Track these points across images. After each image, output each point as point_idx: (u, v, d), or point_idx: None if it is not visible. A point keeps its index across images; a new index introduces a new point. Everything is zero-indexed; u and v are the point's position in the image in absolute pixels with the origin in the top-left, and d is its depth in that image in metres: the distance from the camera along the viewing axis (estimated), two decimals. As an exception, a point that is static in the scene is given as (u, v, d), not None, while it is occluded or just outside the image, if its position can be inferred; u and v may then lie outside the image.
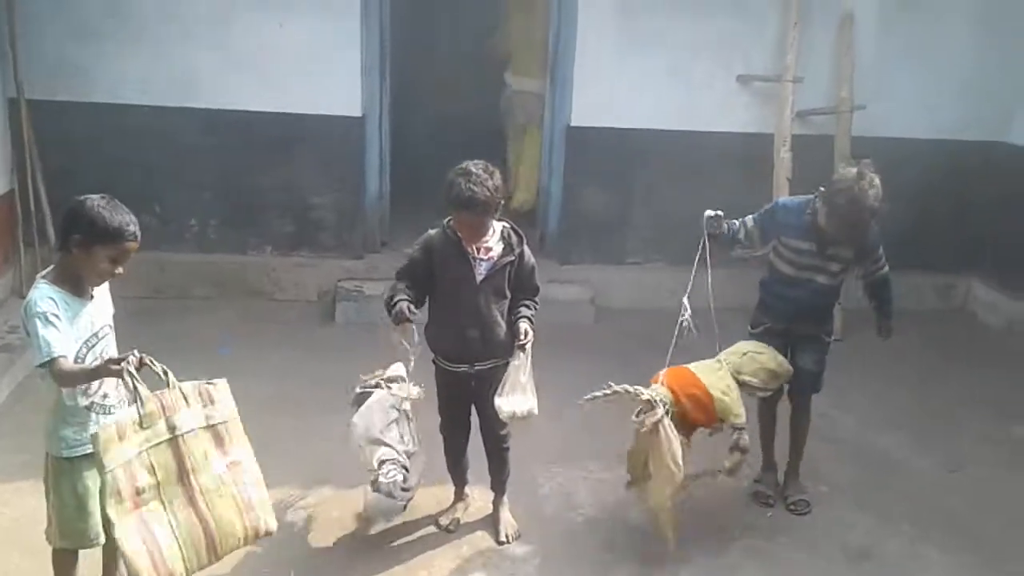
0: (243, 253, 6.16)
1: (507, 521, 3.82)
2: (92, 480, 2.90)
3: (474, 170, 3.37)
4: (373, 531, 3.75)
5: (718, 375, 3.69)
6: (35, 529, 3.13)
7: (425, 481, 3.80)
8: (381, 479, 3.39)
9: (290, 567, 3.53)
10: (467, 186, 3.32)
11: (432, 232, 3.56)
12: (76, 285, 2.92)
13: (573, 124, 6.22)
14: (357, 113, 6.05)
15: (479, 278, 3.48)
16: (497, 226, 3.52)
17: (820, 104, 6.21)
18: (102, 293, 3.03)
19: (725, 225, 3.86)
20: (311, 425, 4.51)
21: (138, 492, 2.65)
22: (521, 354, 3.50)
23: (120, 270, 2.89)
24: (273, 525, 2.89)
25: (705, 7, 6.07)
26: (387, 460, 3.43)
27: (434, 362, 3.67)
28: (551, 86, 6.38)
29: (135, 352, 2.72)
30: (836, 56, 6.18)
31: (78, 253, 2.85)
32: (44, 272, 2.94)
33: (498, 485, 3.86)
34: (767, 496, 4.12)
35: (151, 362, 2.73)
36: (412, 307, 3.40)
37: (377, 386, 3.61)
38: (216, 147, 5.95)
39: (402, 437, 3.52)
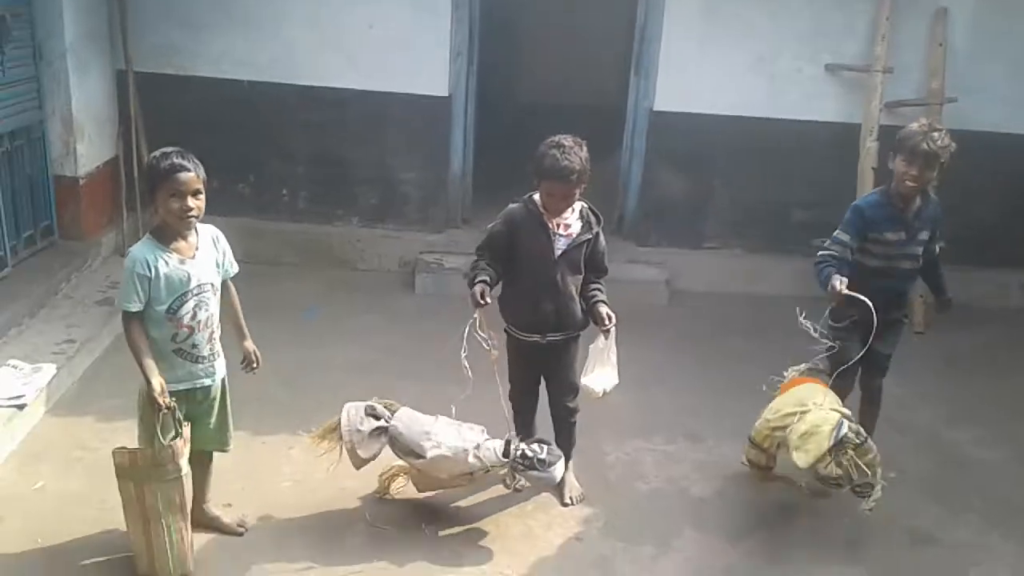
0: (330, 223, 6.39)
1: (572, 484, 3.92)
2: (168, 422, 3.14)
3: (566, 142, 3.49)
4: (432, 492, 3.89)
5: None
6: None
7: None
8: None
9: (365, 512, 3.73)
10: (561, 156, 3.44)
11: (514, 206, 3.67)
12: (174, 240, 3.15)
13: (656, 108, 6.26)
14: (444, 93, 6.21)
15: (557, 252, 3.58)
16: (577, 205, 3.61)
17: (910, 96, 6.12)
18: (208, 251, 3.24)
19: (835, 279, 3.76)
20: (390, 388, 4.67)
21: (147, 509, 3.15)
22: (604, 338, 3.60)
23: (191, 204, 3.06)
24: None
25: (795, -5, 6.03)
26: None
27: (506, 331, 3.78)
28: (635, 70, 6.42)
29: (173, 402, 3.11)
30: (928, 48, 6.08)
31: (155, 205, 3.11)
32: (153, 227, 3.19)
33: (565, 452, 3.96)
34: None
35: (175, 411, 3.12)
36: (487, 292, 3.52)
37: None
38: (310, 122, 6.20)
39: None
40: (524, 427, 3.91)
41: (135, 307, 3.09)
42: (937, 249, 4.02)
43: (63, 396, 4.40)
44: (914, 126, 3.83)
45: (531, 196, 3.64)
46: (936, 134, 3.75)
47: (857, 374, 4.03)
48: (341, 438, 3.59)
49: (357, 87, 6.13)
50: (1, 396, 4.08)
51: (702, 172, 6.40)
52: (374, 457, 3.62)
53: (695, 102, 6.18)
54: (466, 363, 3.47)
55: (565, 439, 3.90)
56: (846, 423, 3.54)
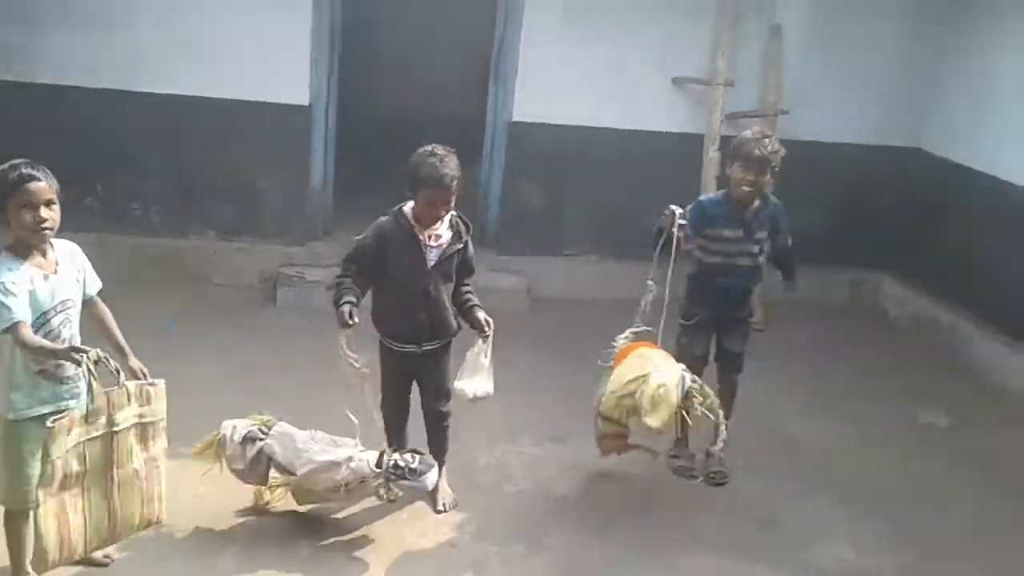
0: (185, 237, 6.22)
1: (445, 491, 4.01)
2: (35, 444, 3.01)
3: (439, 151, 3.57)
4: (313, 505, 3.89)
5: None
6: None
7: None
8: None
9: (241, 530, 3.70)
10: (440, 164, 3.50)
11: (383, 219, 3.70)
12: (33, 255, 3.02)
13: (515, 119, 6.43)
14: (304, 102, 6.16)
15: (430, 264, 3.64)
16: (446, 215, 3.67)
17: (749, 108, 6.53)
18: (67, 267, 3.13)
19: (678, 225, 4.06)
20: (252, 405, 4.62)
21: (66, 477, 2.94)
22: (481, 342, 3.69)
23: (44, 215, 2.95)
24: (164, 516, 3.32)
25: (644, 12, 6.32)
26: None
27: (381, 343, 3.82)
28: (494, 82, 6.57)
29: (98, 350, 2.92)
30: (764, 63, 6.51)
31: (7, 219, 2.97)
32: (8, 243, 3.03)
33: (437, 458, 4.04)
34: (689, 469, 4.39)
35: (107, 359, 2.93)
36: (355, 313, 3.54)
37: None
38: (161, 131, 6.00)
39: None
40: (397, 437, 3.97)
41: (21, 314, 2.89)
42: (789, 241, 4.33)
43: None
44: (747, 134, 4.16)
45: (400, 209, 3.68)
46: (767, 140, 4.09)
47: (704, 366, 4.31)
48: (222, 455, 3.56)
49: (211, 95, 5.98)
50: None
51: (559, 181, 6.61)
52: (263, 480, 3.64)
53: (552, 113, 6.38)
54: (350, 415, 3.60)
55: (438, 445, 3.98)
56: (687, 376, 3.83)
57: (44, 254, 3.06)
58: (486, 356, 3.69)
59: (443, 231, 3.67)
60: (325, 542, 3.72)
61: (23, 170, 2.95)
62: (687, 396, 3.78)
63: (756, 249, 4.21)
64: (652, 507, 4.19)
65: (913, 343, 6.54)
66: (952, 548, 4.09)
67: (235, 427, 3.67)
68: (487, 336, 3.70)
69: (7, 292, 2.90)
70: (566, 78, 6.33)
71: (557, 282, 6.55)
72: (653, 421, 3.76)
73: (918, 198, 6.82)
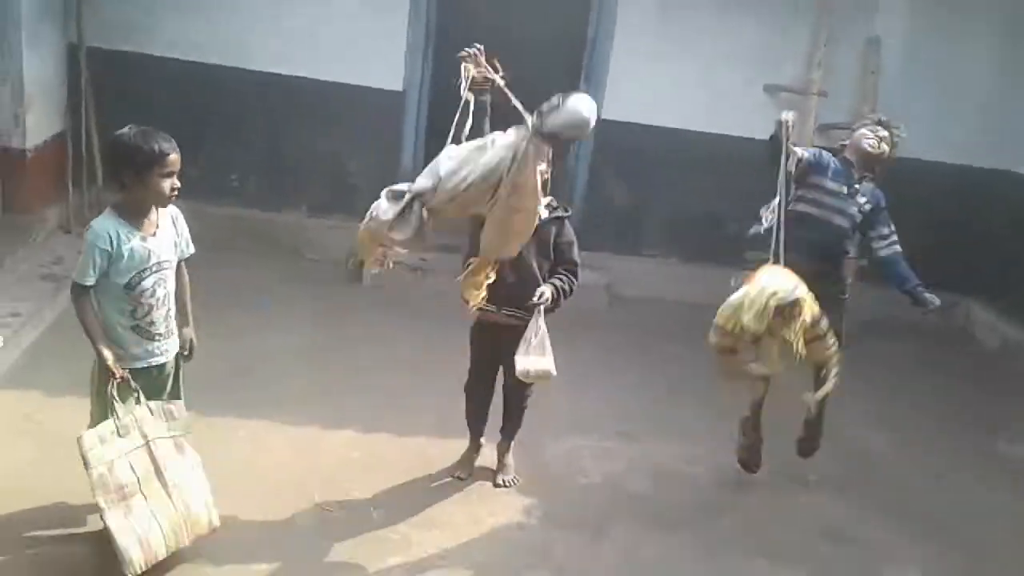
0: (279, 211, 6.44)
1: (508, 466, 4.13)
2: (125, 392, 3.19)
3: None
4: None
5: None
6: (73, 436, 3.34)
7: (441, 434, 4.13)
8: None
9: (315, 495, 3.82)
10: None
11: None
12: (138, 217, 3.20)
13: (604, 117, 6.45)
14: (398, 88, 6.32)
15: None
16: (545, 198, 3.72)
17: (843, 119, 6.45)
18: (168, 230, 3.29)
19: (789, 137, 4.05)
20: (335, 377, 4.79)
21: (122, 487, 3.11)
22: (535, 316, 3.68)
23: (177, 183, 3.16)
24: (217, 522, 3.34)
25: (739, 19, 6.30)
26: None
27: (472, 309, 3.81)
28: (585, 79, 6.62)
29: (127, 373, 3.15)
30: (860, 74, 6.42)
31: (134, 185, 3.14)
32: (115, 202, 3.21)
33: (508, 435, 4.14)
34: (753, 464, 4.36)
35: (130, 381, 3.16)
36: None
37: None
38: (262, 109, 6.24)
39: None
40: (476, 418, 4.08)
41: (90, 281, 3.12)
42: (894, 248, 4.24)
43: (9, 369, 4.39)
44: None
45: None
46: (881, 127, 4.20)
47: None
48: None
49: (311, 76, 6.19)
50: (-52, 366, 4.05)
51: (644, 181, 6.64)
52: (416, 233, 3.44)
53: (641, 113, 6.42)
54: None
55: (513, 422, 4.10)
56: (801, 288, 3.70)
57: (148, 216, 3.23)
58: (539, 334, 3.65)
59: (543, 211, 3.71)
60: (396, 515, 3.82)
61: (162, 141, 3.11)
62: (792, 304, 3.65)
63: (854, 209, 4.15)
64: (720, 509, 4.20)
65: (1000, 369, 6.39)
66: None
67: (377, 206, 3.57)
68: (535, 305, 3.67)
69: (92, 255, 3.11)
70: (656, 79, 6.36)
71: (636, 281, 6.59)
72: (747, 318, 3.67)
73: (1012, 222, 6.65)
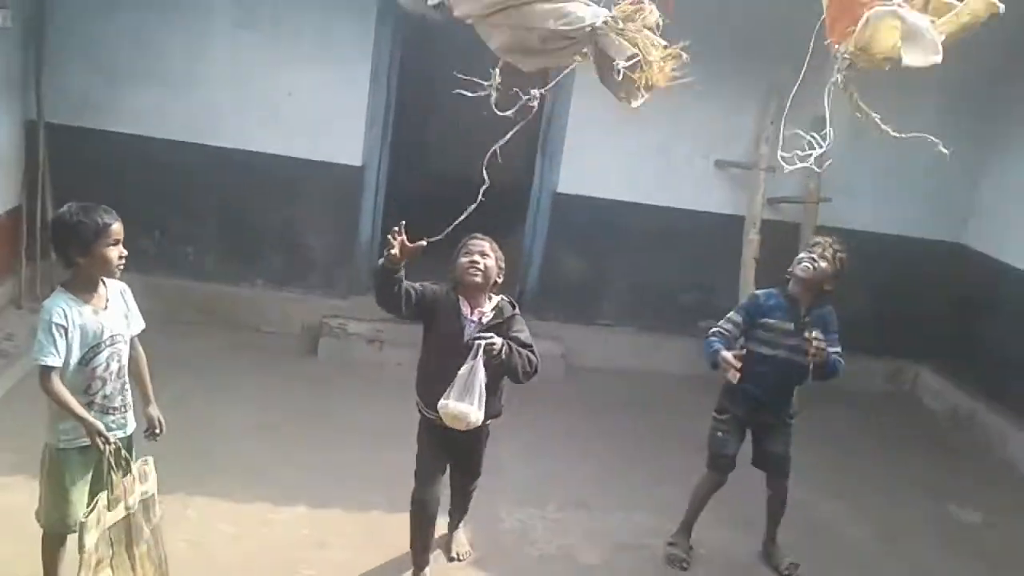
0: (235, 284, 6.43)
1: (460, 540, 4.11)
2: (80, 473, 3.19)
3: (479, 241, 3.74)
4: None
5: None
6: (26, 518, 3.34)
7: (393, 509, 4.10)
8: None
9: None
10: (471, 265, 3.65)
11: (438, 286, 3.75)
12: (88, 292, 3.21)
13: (559, 190, 6.61)
14: (357, 163, 6.42)
15: (466, 336, 3.62)
16: (495, 298, 3.76)
17: (791, 194, 6.65)
18: (117, 304, 3.30)
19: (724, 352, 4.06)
20: (287, 452, 4.76)
21: (100, 561, 3.06)
22: (470, 358, 3.54)
23: (124, 251, 3.19)
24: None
25: (690, 98, 6.47)
26: None
27: (421, 418, 3.80)
28: (541, 154, 6.77)
29: (118, 442, 3.13)
30: (807, 152, 6.62)
31: (82, 260, 3.16)
32: (65, 280, 3.22)
33: (456, 520, 4.14)
34: (682, 559, 4.32)
35: (122, 449, 3.15)
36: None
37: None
38: (220, 183, 6.28)
39: None
40: (423, 544, 3.83)
41: (53, 360, 3.07)
42: (837, 350, 4.17)
43: (-47, 448, 4.29)
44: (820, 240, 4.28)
45: (454, 287, 3.74)
46: (831, 245, 4.19)
47: (731, 468, 4.28)
48: None
49: (270, 151, 6.25)
50: None
51: (600, 253, 6.75)
52: None
53: (596, 187, 6.56)
54: None
55: (461, 508, 4.10)
56: None
57: (97, 290, 3.25)
58: (470, 372, 3.51)
59: (487, 310, 3.71)
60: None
61: (103, 213, 3.15)
62: None
63: (804, 345, 4.11)
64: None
65: (949, 436, 6.49)
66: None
67: None
68: (479, 348, 3.52)
69: (51, 333, 3.09)
70: (611, 155, 6.52)
71: (592, 351, 6.65)
72: None
73: (960, 292, 6.85)
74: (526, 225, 6.94)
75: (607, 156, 6.51)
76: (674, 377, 6.50)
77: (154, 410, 3.48)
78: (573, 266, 6.75)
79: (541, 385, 5.83)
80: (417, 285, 3.67)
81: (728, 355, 3.97)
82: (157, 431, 3.47)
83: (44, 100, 5.89)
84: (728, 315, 4.24)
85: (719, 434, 4.25)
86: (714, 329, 4.19)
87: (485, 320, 3.68)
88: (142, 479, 3.26)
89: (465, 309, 3.69)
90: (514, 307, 3.80)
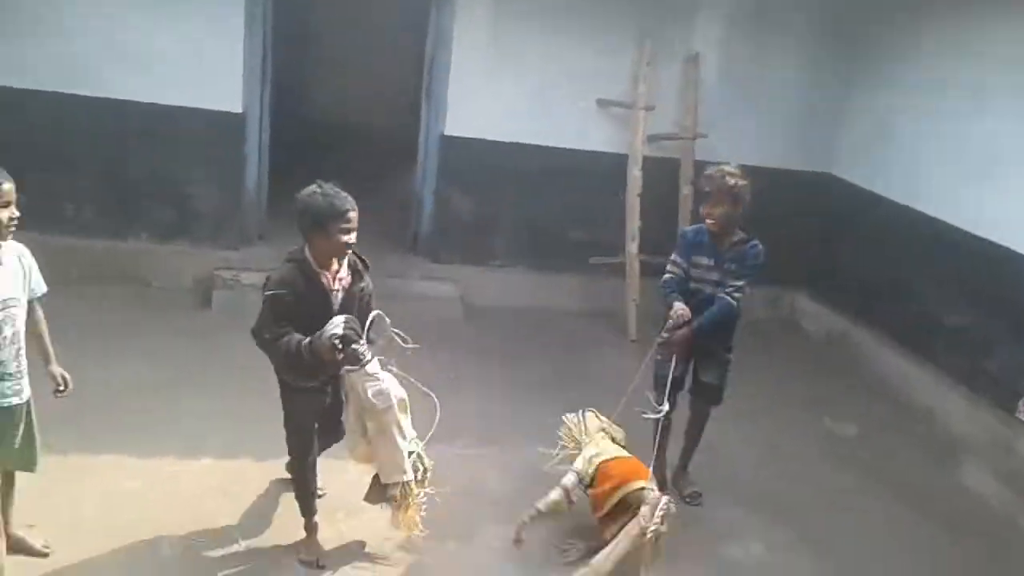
0: (121, 239, 6.22)
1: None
2: None
3: (327, 186, 3.47)
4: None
5: None
6: None
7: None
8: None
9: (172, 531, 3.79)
10: (333, 196, 3.43)
11: (285, 270, 3.49)
12: None
13: (447, 133, 6.64)
14: (238, 109, 6.26)
15: (335, 306, 3.56)
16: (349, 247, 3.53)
17: (669, 131, 6.88)
18: (13, 267, 3.22)
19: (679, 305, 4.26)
20: (188, 405, 4.74)
21: None
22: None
23: (15, 212, 3.12)
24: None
25: (569, 38, 6.60)
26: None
27: (283, 384, 3.71)
28: (426, 98, 6.77)
29: None
30: (682, 89, 6.87)
31: None
32: None
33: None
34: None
35: None
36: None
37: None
38: (95, 134, 6.03)
39: None
40: (313, 493, 3.87)
41: None
42: (728, 292, 4.32)
43: None
44: (708, 170, 4.38)
45: (301, 255, 3.51)
46: (720, 174, 4.30)
47: (677, 394, 4.47)
48: None
49: (145, 100, 6.03)
50: None
51: (489, 194, 6.84)
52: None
53: (482, 129, 6.62)
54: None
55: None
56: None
57: None
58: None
59: (343, 272, 3.59)
60: (265, 542, 3.86)
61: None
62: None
63: (726, 281, 4.34)
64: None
65: (825, 356, 6.95)
66: (853, 552, 4.43)
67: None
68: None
69: None
70: (495, 96, 6.58)
71: (488, 291, 6.77)
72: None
73: (830, 220, 7.28)
74: (416, 169, 6.96)
75: (492, 100, 6.57)
76: (569, 313, 6.73)
77: (56, 368, 3.46)
78: (464, 208, 6.83)
79: (441, 326, 6.00)
80: (284, 310, 3.43)
81: (681, 309, 4.20)
82: (62, 388, 3.45)
83: None
84: (671, 257, 4.44)
85: (660, 357, 4.41)
86: (666, 276, 4.39)
87: (345, 283, 3.59)
88: None
89: (325, 279, 3.53)
90: (365, 262, 3.71)
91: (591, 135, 6.86)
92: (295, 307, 3.44)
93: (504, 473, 4.60)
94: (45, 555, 3.51)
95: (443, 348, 5.63)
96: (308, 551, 3.80)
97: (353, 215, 3.46)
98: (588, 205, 6.94)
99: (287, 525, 3.91)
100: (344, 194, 3.48)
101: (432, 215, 6.88)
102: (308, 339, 3.36)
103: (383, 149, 8.42)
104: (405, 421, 3.75)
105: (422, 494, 3.85)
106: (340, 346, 3.31)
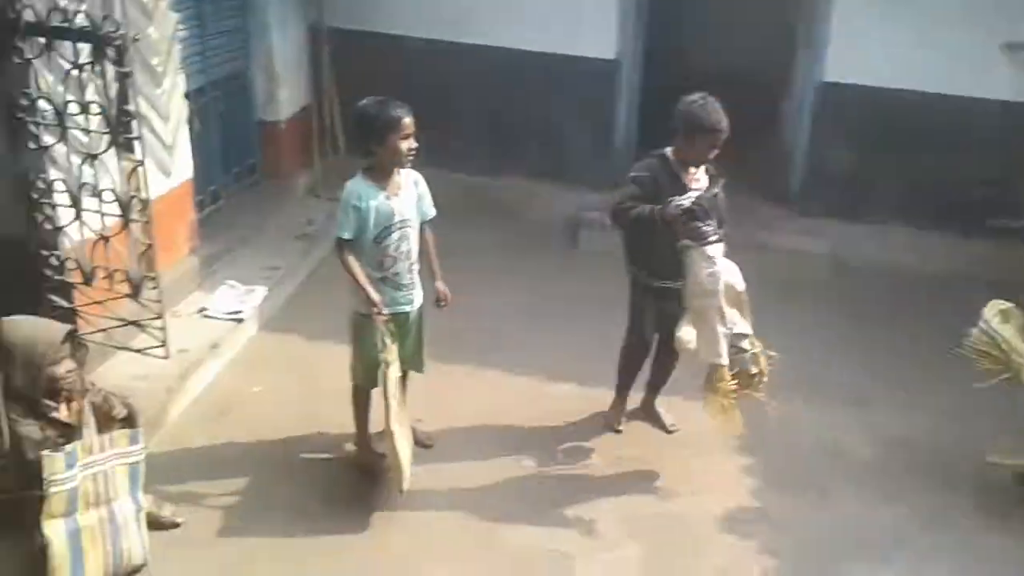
0: (499, 177, 6.69)
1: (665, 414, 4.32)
2: (378, 336, 3.49)
3: (711, 99, 3.72)
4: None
5: None
6: (329, 376, 3.88)
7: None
8: None
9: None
10: (712, 111, 3.68)
11: (651, 160, 3.85)
12: (383, 179, 3.54)
13: (826, 80, 6.26)
14: (611, 56, 6.42)
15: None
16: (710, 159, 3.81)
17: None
18: (410, 192, 3.62)
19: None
20: (551, 333, 5.03)
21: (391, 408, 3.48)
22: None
23: (414, 144, 3.47)
24: None
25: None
26: None
27: (635, 282, 3.99)
28: (806, 42, 6.42)
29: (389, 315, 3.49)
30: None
31: (378, 149, 3.47)
32: (364, 167, 3.57)
33: (660, 384, 4.32)
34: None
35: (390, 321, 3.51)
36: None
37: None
38: (480, 81, 6.51)
39: None
40: (635, 370, 4.22)
41: (347, 234, 3.49)
42: None
43: (272, 315, 4.93)
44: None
45: (662, 154, 3.83)
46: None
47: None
48: None
49: (526, 48, 6.38)
50: (222, 311, 4.63)
51: (869, 145, 6.33)
52: None
53: (866, 75, 6.13)
54: None
55: (663, 374, 4.27)
56: None
57: (391, 178, 3.56)
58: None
59: (701, 175, 3.81)
60: (618, 467, 4.02)
61: (398, 108, 3.45)
62: None
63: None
64: (958, 485, 4.03)
65: None
66: None
67: None
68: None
69: (348, 212, 3.48)
70: (882, 41, 6.04)
71: (861, 249, 6.28)
72: None
73: None
74: (788, 118, 6.66)
75: (879, 44, 6.04)
76: (958, 279, 5.86)
77: (441, 284, 3.81)
78: (841, 159, 6.39)
79: (806, 282, 5.72)
80: (640, 191, 3.73)
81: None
82: (443, 302, 3.80)
83: (324, 5, 6.32)
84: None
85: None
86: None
87: (701, 187, 3.77)
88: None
89: (684, 178, 3.77)
90: (719, 171, 3.85)
91: (992, 82, 6.08)
92: (654, 194, 3.68)
93: (867, 437, 4.33)
94: (429, 447, 3.97)
95: (808, 305, 5.39)
96: (607, 415, 4.25)
97: (724, 135, 3.68)
98: (991, 161, 6.18)
99: (634, 453, 4.05)
100: (721, 114, 3.68)
101: (804, 166, 6.54)
102: (643, 209, 3.63)
103: (756, 96, 8.13)
104: (731, 312, 3.73)
105: (745, 392, 3.80)
106: (684, 219, 3.55)
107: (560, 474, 3.93)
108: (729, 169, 3.94)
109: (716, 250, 3.63)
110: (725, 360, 3.71)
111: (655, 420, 4.31)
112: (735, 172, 3.72)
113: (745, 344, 3.75)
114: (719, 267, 3.64)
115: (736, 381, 3.73)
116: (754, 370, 3.77)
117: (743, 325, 3.76)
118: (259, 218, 5.76)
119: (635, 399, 4.36)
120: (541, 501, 3.75)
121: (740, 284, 3.72)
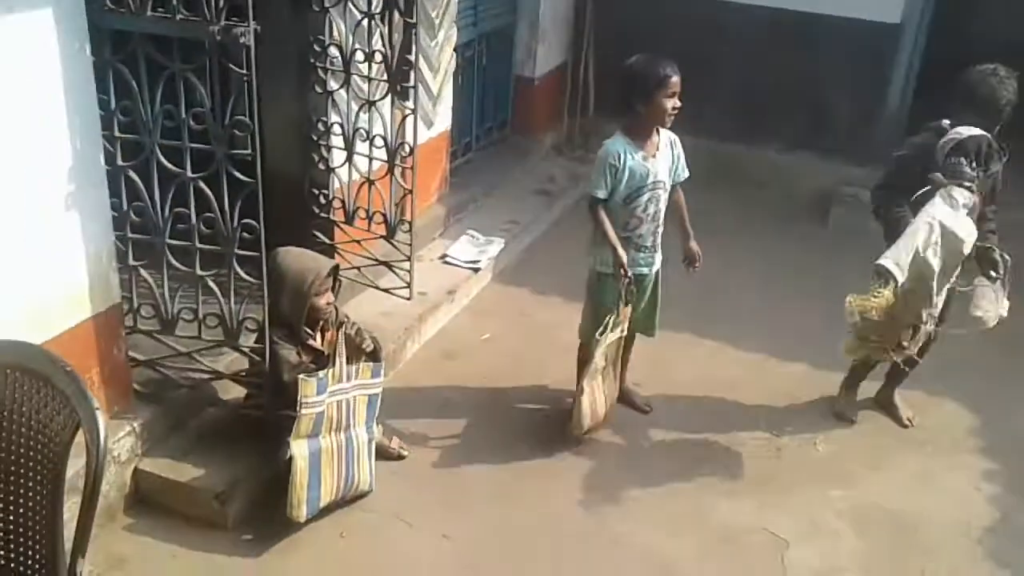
0: (749, 145, 6.45)
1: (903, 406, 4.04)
2: (613, 295, 3.55)
3: (1003, 71, 3.47)
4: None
5: None
6: (556, 331, 4.00)
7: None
8: None
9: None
10: (998, 86, 3.44)
11: (924, 136, 3.59)
12: (642, 139, 3.50)
13: None
14: (895, 20, 5.95)
15: None
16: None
17: None
18: (665, 153, 3.58)
19: None
20: (788, 309, 4.85)
21: (597, 370, 3.65)
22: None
23: (678, 103, 3.41)
24: None
25: None
26: None
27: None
28: None
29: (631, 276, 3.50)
30: None
31: (642, 108, 3.41)
32: (624, 125, 3.54)
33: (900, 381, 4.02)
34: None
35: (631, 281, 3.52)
36: None
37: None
38: (742, 41, 6.25)
39: None
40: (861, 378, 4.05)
41: (601, 193, 3.49)
42: None
43: (507, 267, 5.11)
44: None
45: (939, 126, 3.54)
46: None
47: None
48: None
49: (794, 8, 6.04)
50: (462, 259, 4.88)
51: None
52: None
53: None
54: None
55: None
56: None
57: (650, 138, 3.52)
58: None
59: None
60: (844, 456, 3.82)
61: (667, 66, 3.38)
62: None
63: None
64: None
65: None
66: None
67: None
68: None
69: (604, 171, 3.47)
70: None
71: None
72: None
73: None
74: None
75: None
76: None
77: (694, 244, 3.75)
78: None
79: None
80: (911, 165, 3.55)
81: None
82: (696, 264, 3.75)
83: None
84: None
85: None
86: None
87: None
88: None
89: None
90: (1003, 148, 3.58)
91: None
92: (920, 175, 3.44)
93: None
94: (646, 412, 3.96)
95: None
96: (838, 404, 4.06)
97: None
98: None
99: (864, 444, 3.86)
100: (1008, 91, 3.46)
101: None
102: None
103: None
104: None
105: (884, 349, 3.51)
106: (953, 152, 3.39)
107: (779, 455, 3.78)
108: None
109: (963, 196, 3.32)
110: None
111: (891, 412, 4.06)
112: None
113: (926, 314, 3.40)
114: (952, 215, 3.31)
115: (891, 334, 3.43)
116: (905, 343, 3.44)
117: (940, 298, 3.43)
118: (504, 172, 5.96)
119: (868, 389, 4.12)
120: (757, 480, 3.64)
121: (967, 247, 3.34)
